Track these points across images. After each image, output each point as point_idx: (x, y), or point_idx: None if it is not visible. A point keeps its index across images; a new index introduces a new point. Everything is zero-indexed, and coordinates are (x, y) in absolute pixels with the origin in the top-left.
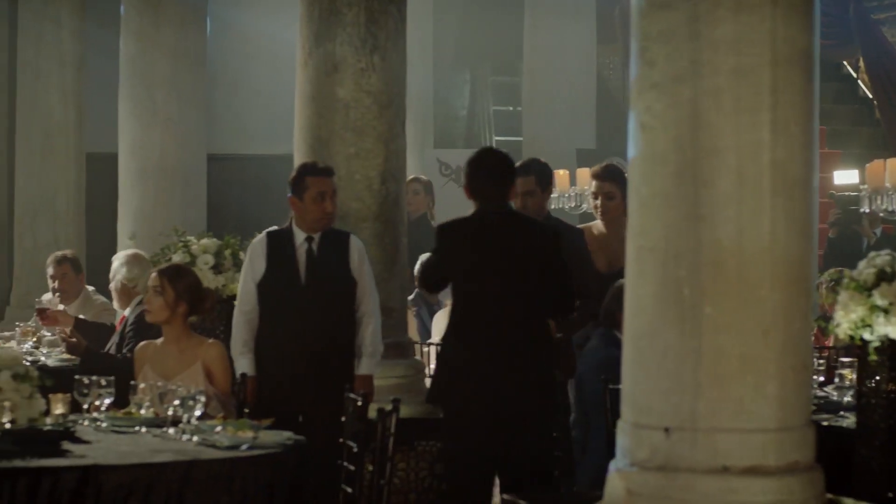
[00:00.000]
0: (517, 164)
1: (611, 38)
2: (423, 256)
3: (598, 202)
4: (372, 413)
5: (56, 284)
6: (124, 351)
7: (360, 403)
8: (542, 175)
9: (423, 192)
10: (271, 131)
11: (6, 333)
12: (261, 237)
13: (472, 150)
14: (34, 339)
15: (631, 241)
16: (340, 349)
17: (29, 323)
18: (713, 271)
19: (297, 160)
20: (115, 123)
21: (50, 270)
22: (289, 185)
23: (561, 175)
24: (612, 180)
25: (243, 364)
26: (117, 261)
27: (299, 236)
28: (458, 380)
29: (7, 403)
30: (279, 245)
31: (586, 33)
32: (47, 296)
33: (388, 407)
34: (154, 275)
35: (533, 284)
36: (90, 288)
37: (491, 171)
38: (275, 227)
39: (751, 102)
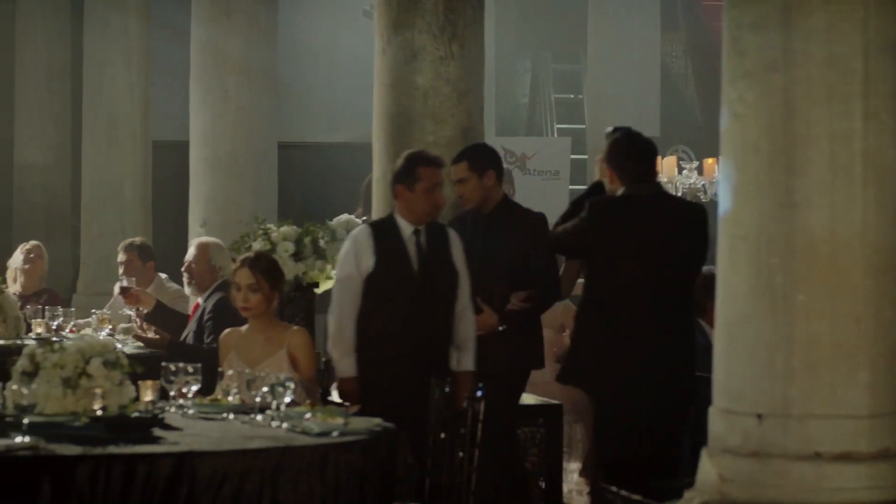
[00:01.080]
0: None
1: (674, 26)
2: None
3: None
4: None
5: (122, 271)
6: (208, 340)
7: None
8: (476, 160)
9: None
10: (334, 119)
11: (81, 321)
12: (364, 230)
13: (534, 137)
14: (110, 327)
15: (723, 229)
16: (445, 343)
17: (104, 310)
18: (806, 259)
19: (376, 148)
20: (180, 111)
21: (119, 257)
22: (396, 175)
23: None
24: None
25: (348, 365)
26: (195, 245)
27: (406, 228)
28: (608, 367)
29: (98, 390)
30: (385, 237)
31: (650, 21)
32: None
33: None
34: (244, 271)
35: (681, 267)
36: (163, 275)
37: (641, 153)
38: (376, 219)
39: (843, 91)
